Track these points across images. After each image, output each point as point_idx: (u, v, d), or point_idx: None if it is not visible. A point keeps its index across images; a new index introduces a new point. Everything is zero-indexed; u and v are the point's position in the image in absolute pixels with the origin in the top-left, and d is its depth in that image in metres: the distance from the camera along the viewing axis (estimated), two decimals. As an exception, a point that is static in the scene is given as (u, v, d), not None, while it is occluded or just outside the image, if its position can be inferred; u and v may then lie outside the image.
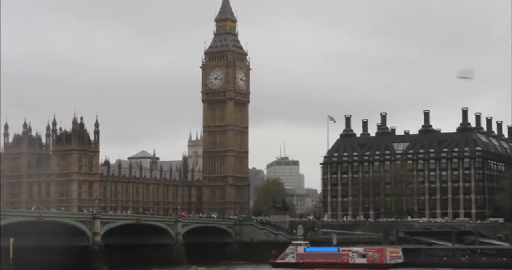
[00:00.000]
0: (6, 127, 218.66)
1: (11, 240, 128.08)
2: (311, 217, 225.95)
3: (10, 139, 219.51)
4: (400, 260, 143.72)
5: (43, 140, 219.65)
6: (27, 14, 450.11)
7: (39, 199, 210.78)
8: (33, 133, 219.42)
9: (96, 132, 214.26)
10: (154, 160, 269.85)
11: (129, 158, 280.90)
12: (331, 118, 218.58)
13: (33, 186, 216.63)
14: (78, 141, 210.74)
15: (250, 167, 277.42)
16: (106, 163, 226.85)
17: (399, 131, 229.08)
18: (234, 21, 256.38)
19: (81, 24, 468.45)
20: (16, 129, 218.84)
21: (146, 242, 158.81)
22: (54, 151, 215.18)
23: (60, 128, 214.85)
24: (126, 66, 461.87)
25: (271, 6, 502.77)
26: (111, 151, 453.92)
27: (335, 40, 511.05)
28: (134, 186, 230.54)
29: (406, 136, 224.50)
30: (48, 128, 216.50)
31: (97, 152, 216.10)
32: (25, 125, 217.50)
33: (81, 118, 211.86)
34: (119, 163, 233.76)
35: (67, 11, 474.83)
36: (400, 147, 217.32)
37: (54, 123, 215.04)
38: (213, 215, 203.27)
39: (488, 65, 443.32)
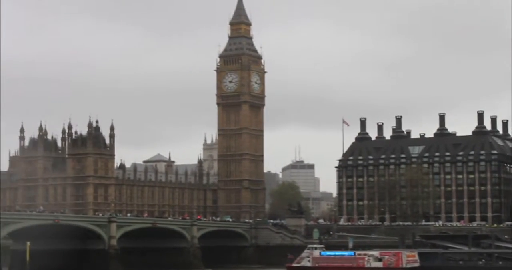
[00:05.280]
0: (22, 130, 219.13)
1: (28, 243, 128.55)
2: (321, 220, 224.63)
3: (26, 142, 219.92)
4: (416, 264, 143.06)
5: (59, 144, 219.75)
6: (39, 15, 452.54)
7: (55, 202, 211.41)
8: (49, 136, 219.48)
9: (112, 136, 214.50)
10: (169, 163, 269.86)
11: (144, 162, 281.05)
12: (345, 122, 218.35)
13: (49, 189, 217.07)
14: (93, 144, 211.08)
15: (265, 170, 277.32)
16: (122, 166, 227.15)
17: (414, 135, 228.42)
18: (249, 24, 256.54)
19: (94, 24, 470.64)
20: (32, 132, 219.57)
21: (161, 245, 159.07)
22: (70, 154, 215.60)
23: (76, 132, 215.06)
24: (141, 69, 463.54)
25: (286, 8, 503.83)
26: (127, 154, 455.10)
27: (352, 42, 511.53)
28: (150, 189, 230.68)
29: (422, 139, 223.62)
30: (63, 131, 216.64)
31: (112, 155, 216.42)
32: (40, 128, 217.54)
33: (97, 121, 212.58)
34: (134, 167, 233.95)
35: (81, 11, 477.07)
36: (415, 150, 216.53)
37: (70, 126, 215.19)
38: (228, 219, 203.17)
39: (504, 67, 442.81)
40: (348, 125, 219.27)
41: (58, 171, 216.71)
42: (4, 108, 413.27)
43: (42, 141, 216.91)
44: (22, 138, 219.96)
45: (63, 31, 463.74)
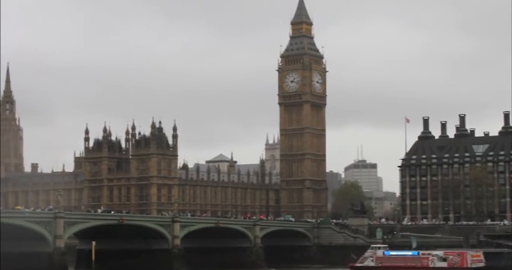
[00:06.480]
0: (87, 132, 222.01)
1: (93, 243, 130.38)
2: (384, 220, 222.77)
3: (91, 144, 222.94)
4: (482, 264, 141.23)
5: (123, 144, 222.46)
6: (102, 15, 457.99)
7: (119, 202, 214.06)
8: (113, 138, 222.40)
9: (175, 136, 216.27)
10: (231, 163, 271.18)
11: (207, 162, 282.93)
12: (406, 119, 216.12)
13: (113, 189, 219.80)
14: (157, 145, 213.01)
15: (327, 170, 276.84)
16: (185, 166, 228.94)
17: (478, 133, 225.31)
18: (310, 24, 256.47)
19: (156, 26, 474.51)
20: (96, 134, 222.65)
21: (224, 245, 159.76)
22: (134, 155, 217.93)
23: (139, 133, 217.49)
24: (203, 69, 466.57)
25: (346, 7, 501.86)
26: (189, 155, 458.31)
27: (414, 39, 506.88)
28: (212, 189, 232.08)
29: (486, 138, 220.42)
30: (127, 132, 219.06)
31: (175, 155, 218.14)
32: (105, 130, 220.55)
33: (160, 122, 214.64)
34: (197, 167, 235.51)
35: (140, 14, 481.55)
36: (480, 149, 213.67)
37: (133, 127, 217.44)
38: (290, 218, 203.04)
39: None
40: (408, 121, 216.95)
41: (122, 171, 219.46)
42: (70, 110, 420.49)
43: (107, 142, 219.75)
44: (87, 139, 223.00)
45: (126, 33, 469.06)
